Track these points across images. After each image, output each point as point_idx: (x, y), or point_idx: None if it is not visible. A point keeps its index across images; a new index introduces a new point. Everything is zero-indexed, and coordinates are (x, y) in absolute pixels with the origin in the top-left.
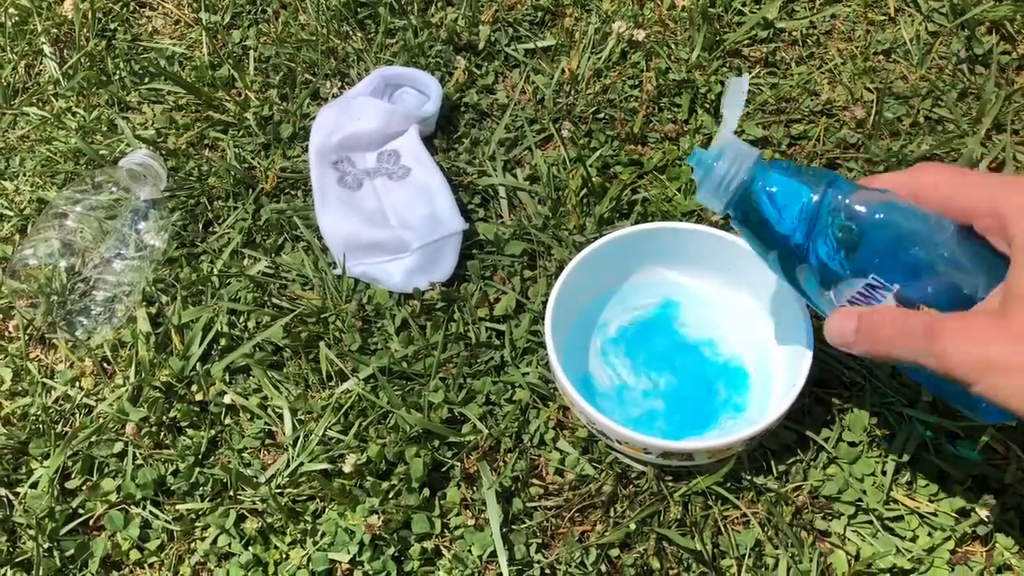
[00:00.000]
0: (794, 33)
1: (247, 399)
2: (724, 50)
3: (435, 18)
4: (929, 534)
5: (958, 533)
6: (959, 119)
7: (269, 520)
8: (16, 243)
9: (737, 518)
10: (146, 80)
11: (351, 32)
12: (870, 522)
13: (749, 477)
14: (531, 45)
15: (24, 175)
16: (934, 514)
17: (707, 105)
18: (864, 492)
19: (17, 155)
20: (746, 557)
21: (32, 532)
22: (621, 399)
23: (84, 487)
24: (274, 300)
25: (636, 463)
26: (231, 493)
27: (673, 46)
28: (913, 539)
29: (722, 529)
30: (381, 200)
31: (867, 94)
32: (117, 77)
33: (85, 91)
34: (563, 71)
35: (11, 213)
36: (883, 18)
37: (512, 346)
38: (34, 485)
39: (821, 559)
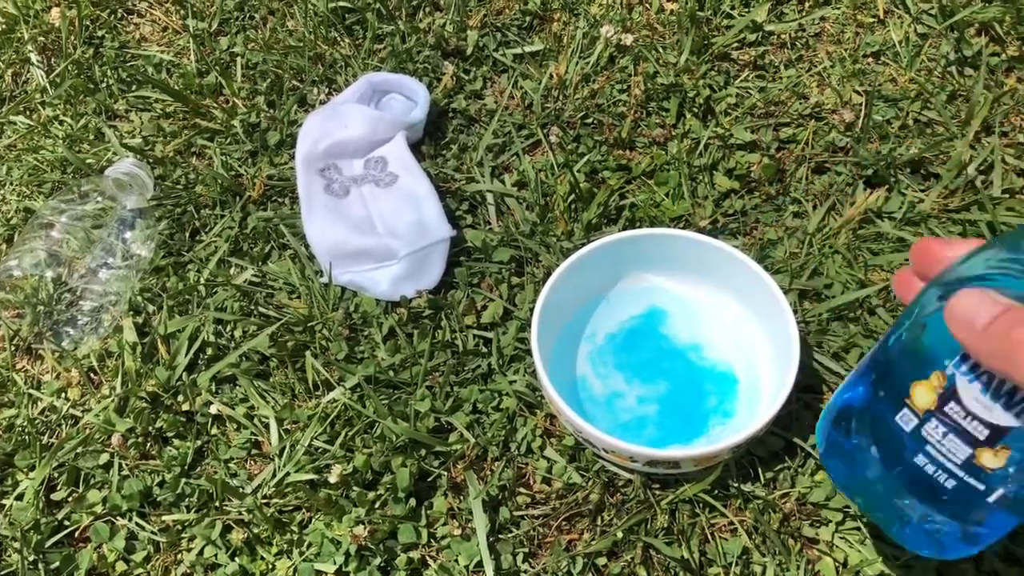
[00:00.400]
0: (783, 36)
1: (233, 409)
2: (712, 53)
3: (423, 23)
4: None
5: None
6: (948, 122)
7: (255, 531)
8: (2, 253)
9: (724, 526)
10: (133, 88)
11: (339, 38)
12: (858, 529)
13: (736, 484)
14: (519, 50)
15: (11, 184)
16: None
17: (695, 109)
18: None
19: (4, 164)
20: (733, 565)
21: (17, 544)
22: (611, 406)
23: (70, 499)
24: (260, 309)
25: (623, 471)
26: (217, 504)
27: (661, 50)
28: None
29: (709, 537)
30: (368, 207)
31: (856, 97)
32: (104, 85)
33: (72, 99)
34: (551, 76)
35: None
36: (872, 20)
37: (499, 354)
38: (19, 497)
39: (809, 567)
